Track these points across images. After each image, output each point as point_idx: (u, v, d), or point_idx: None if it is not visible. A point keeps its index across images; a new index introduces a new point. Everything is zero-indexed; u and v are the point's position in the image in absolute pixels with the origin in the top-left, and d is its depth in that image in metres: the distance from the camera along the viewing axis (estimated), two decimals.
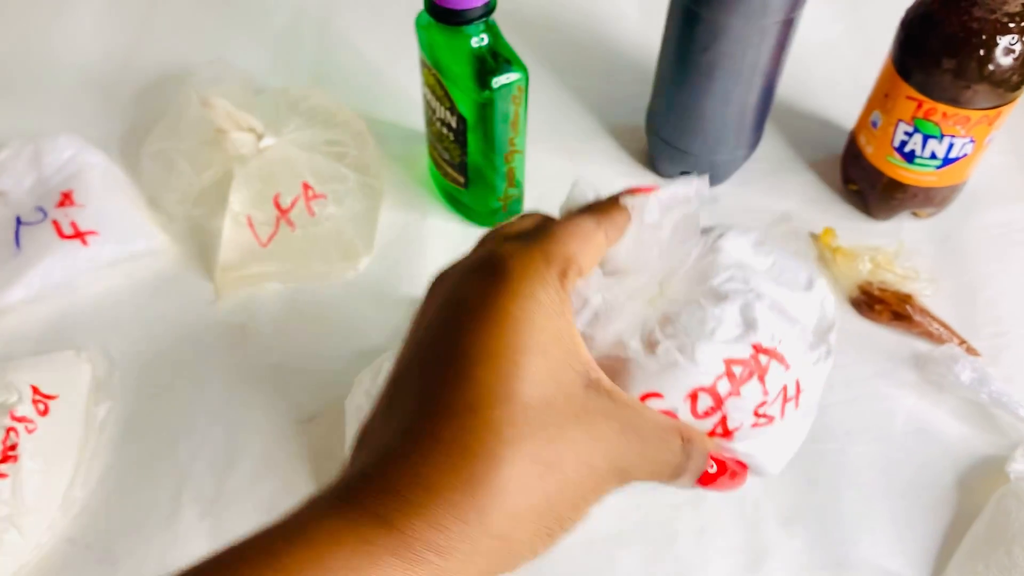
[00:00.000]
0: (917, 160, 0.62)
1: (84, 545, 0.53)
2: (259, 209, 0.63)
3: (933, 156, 0.61)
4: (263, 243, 0.63)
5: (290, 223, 0.63)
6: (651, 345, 0.37)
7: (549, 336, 0.30)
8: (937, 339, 0.61)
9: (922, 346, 0.62)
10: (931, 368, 0.60)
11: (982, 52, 0.55)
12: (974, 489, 0.55)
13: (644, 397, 0.37)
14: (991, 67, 0.56)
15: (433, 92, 0.61)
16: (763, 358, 0.38)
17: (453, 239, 0.67)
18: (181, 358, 0.61)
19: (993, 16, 0.55)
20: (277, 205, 0.63)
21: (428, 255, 0.66)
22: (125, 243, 0.64)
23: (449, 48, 0.57)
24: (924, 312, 0.62)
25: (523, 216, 0.38)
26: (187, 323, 0.62)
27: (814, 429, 0.56)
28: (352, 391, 0.54)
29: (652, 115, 0.68)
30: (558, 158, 0.72)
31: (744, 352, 0.38)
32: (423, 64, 0.60)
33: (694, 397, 0.37)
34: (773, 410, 0.39)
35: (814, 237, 0.67)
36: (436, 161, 0.66)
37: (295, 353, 0.61)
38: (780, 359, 0.39)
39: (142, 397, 0.59)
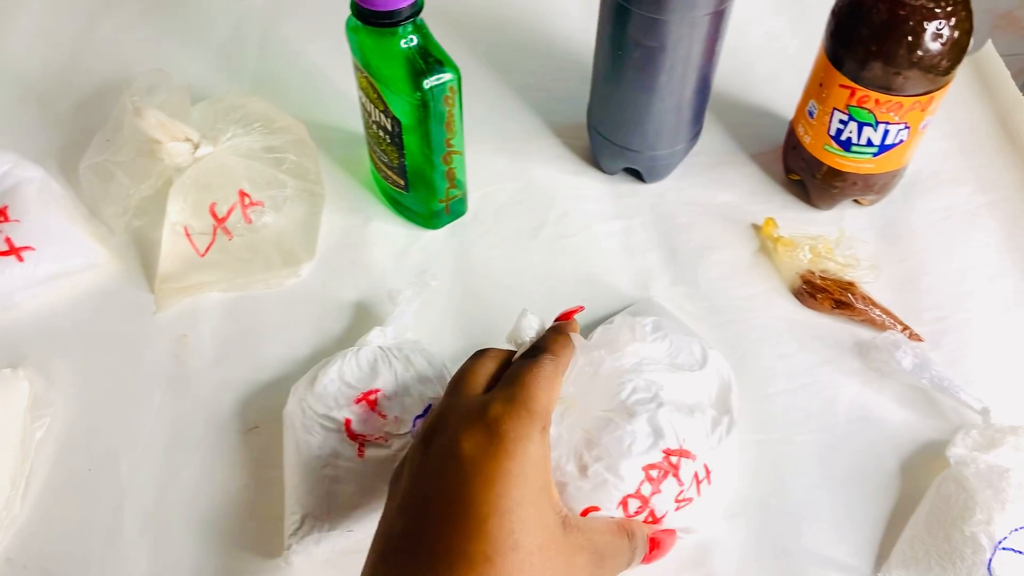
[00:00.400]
0: (854, 148, 0.62)
1: (21, 565, 0.52)
2: (196, 219, 0.62)
3: (869, 143, 0.61)
4: (201, 253, 0.62)
5: (227, 232, 0.62)
6: (582, 468, 0.46)
7: (538, 487, 0.37)
8: (880, 326, 0.62)
9: (865, 333, 0.62)
10: (874, 355, 0.60)
11: (910, 38, 0.56)
12: (917, 475, 0.56)
13: (585, 512, 0.45)
14: (920, 53, 0.56)
15: (367, 95, 0.60)
16: (673, 458, 0.48)
17: (397, 242, 0.67)
18: (121, 372, 0.60)
19: (919, 2, 0.55)
20: (213, 214, 0.62)
21: (371, 259, 0.66)
22: (63, 258, 0.63)
23: (378, 50, 0.56)
24: (866, 299, 0.62)
25: (481, 356, 0.45)
26: (127, 336, 0.62)
27: (757, 421, 0.57)
28: (288, 400, 0.54)
29: (592, 112, 0.68)
30: (501, 158, 0.72)
31: (657, 457, 0.47)
32: (355, 67, 0.60)
33: (624, 504, 0.46)
34: (690, 493, 0.49)
35: (756, 228, 0.67)
36: (376, 164, 0.66)
37: (236, 362, 0.60)
38: (687, 454, 0.49)
39: (81, 412, 0.58)
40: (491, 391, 0.41)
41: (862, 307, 0.62)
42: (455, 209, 0.67)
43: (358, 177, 0.70)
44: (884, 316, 0.62)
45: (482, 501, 0.36)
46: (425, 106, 0.57)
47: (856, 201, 0.68)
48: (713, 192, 0.70)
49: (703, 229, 0.68)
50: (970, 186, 0.70)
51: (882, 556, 0.53)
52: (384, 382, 0.53)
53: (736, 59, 0.78)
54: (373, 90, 0.59)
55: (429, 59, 0.56)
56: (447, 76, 0.57)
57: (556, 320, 0.49)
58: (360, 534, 0.50)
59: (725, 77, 0.76)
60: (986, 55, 0.78)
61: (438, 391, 0.53)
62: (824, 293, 0.62)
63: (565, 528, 0.39)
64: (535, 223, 0.68)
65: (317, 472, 0.50)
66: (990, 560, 0.49)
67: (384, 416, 0.52)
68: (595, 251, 0.66)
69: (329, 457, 0.50)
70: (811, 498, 0.55)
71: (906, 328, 0.62)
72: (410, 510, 0.37)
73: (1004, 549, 0.49)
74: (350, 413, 0.51)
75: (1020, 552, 0.49)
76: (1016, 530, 0.49)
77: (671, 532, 0.49)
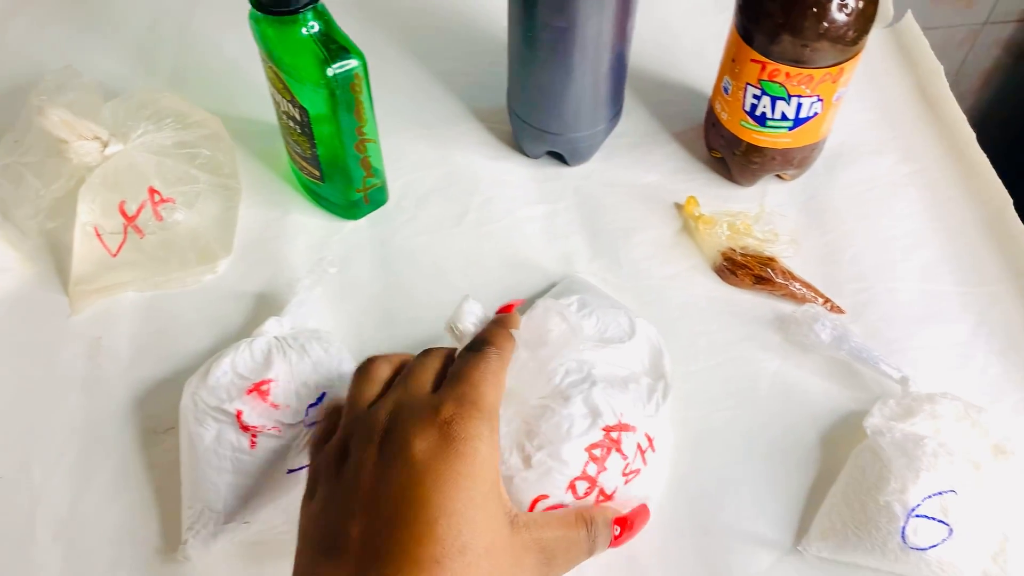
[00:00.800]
0: (769, 123, 0.62)
1: None
2: (106, 218, 0.61)
3: (784, 117, 0.61)
4: (113, 253, 0.61)
5: (138, 230, 0.61)
6: (526, 459, 0.46)
7: (487, 487, 0.37)
8: (800, 300, 0.62)
9: (786, 308, 0.62)
10: (794, 329, 0.60)
11: (816, 10, 0.55)
12: (837, 446, 0.56)
13: (535, 501, 0.46)
14: (826, 24, 0.56)
15: (274, 85, 0.59)
16: (614, 434, 0.48)
17: (317, 235, 0.66)
18: (34, 376, 0.59)
19: None
20: (123, 213, 0.61)
21: (290, 252, 0.65)
22: None
23: (281, 40, 0.55)
24: (786, 274, 0.62)
25: (428, 354, 0.44)
26: (41, 340, 0.60)
27: (677, 399, 0.57)
28: (183, 394, 0.53)
29: (510, 96, 0.68)
30: (423, 145, 0.71)
31: (597, 436, 0.47)
32: (262, 58, 0.59)
33: (572, 487, 0.46)
34: (636, 465, 0.49)
35: (679, 207, 0.67)
36: (292, 156, 0.65)
37: (151, 363, 0.59)
38: (626, 428, 0.49)
39: None
40: (440, 389, 0.41)
41: (782, 281, 0.62)
42: (375, 198, 0.66)
43: (277, 170, 0.69)
44: (805, 290, 0.62)
45: (432, 503, 0.36)
46: (332, 94, 0.56)
47: (778, 176, 0.68)
48: (637, 173, 0.70)
49: (627, 210, 0.67)
50: (892, 156, 0.70)
51: (803, 529, 0.53)
52: (278, 372, 0.52)
53: (661, 36, 0.78)
54: (279, 80, 0.58)
55: (332, 46, 0.55)
56: (352, 63, 0.56)
57: (497, 313, 0.48)
58: (258, 525, 0.49)
59: (649, 55, 0.76)
60: (906, 26, 0.78)
61: (334, 380, 0.53)
62: (744, 269, 0.62)
63: (513, 528, 0.39)
64: (458, 210, 0.67)
65: (211, 465, 0.50)
66: (903, 528, 0.49)
67: (277, 406, 0.51)
68: (519, 236, 0.66)
69: (222, 449, 0.50)
70: (732, 474, 0.55)
71: (827, 301, 0.62)
72: (361, 509, 0.37)
73: (917, 516, 0.49)
74: (242, 404, 0.51)
75: (933, 519, 0.49)
76: (928, 497, 0.49)
77: (642, 509, 0.48)
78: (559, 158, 0.70)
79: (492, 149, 0.71)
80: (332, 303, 0.61)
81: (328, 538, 0.38)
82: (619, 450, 0.49)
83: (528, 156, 0.70)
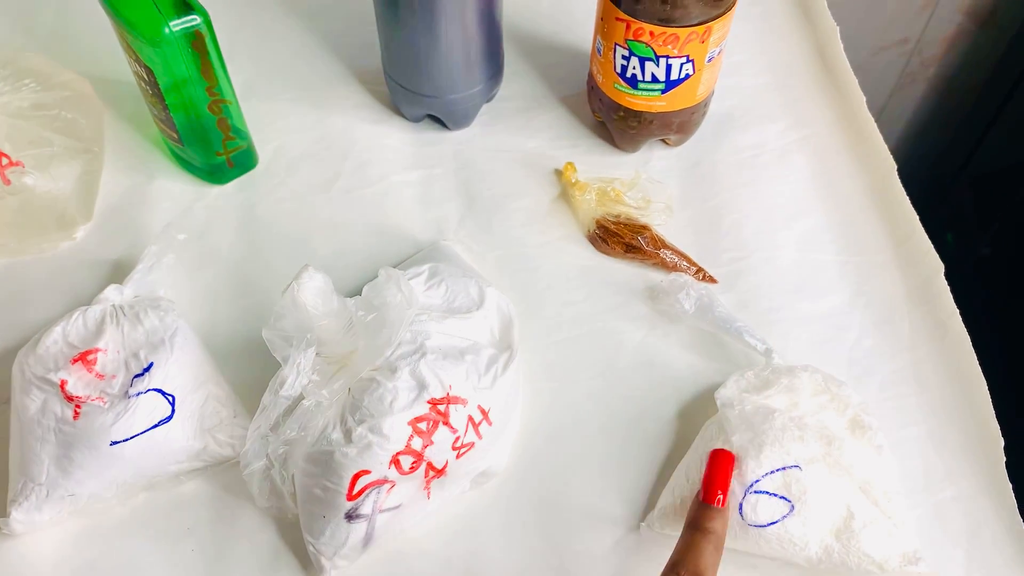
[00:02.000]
0: (641, 85, 0.60)
1: None
2: None
3: (655, 79, 0.59)
4: None
5: None
6: (347, 433, 0.45)
7: None
8: (672, 269, 0.60)
9: (658, 278, 0.60)
10: (662, 298, 0.58)
11: None
12: (695, 420, 0.54)
13: (355, 477, 0.45)
14: None
15: (122, 44, 0.57)
16: (441, 407, 0.47)
17: (181, 200, 0.64)
18: None
19: None
20: None
21: (153, 218, 0.63)
22: None
23: None
24: (657, 242, 0.60)
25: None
26: None
27: (536, 369, 0.55)
28: (13, 365, 0.51)
29: (383, 57, 0.65)
30: (300, 107, 0.69)
31: (422, 409, 0.46)
32: (108, 16, 0.56)
33: (396, 462, 0.46)
34: (469, 439, 0.48)
35: (558, 174, 0.65)
36: (155, 120, 0.63)
37: (0, 333, 0.57)
38: (456, 400, 0.48)
39: None
40: None
41: (652, 250, 0.60)
42: (240, 162, 0.64)
43: (146, 134, 0.67)
44: (677, 258, 0.60)
45: None
46: (172, 53, 0.54)
47: (663, 141, 0.66)
48: (520, 138, 0.67)
49: (506, 176, 0.65)
50: (783, 122, 0.68)
51: (650, 505, 0.51)
52: (107, 341, 0.50)
53: None
54: (124, 39, 0.55)
55: (172, 3, 0.53)
56: (192, 19, 0.53)
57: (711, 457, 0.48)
58: (84, 499, 0.48)
59: (538, 16, 0.74)
60: None
61: (167, 350, 0.51)
62: (616, 238, 0.60)
63: None
64: (329, 175, 0.65)
65: (35, 436, 0.48)
66: (740, 504, 0.47)
67: (102, 376, 0.49)
68: (390, 202, 0.64)
69: (46, 420, 0.48)
70: (584, 448, 0.53)
71: (700, 270, 0.60)
72: None
73: (756, 492, 0.47)
74: (67, 374, 0.49)
75: (772, 495, 0.47)
76: (770, 473, 0.47)
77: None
78: (440, 123, 0.67)
79: (372, 112, 0.69)
80: (189, 271, 0.59)
81: None
82: (447, 423, 0.47)
83: (408, 120, 0.68)
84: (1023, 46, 1.26)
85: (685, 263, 0.60)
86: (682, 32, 0.56)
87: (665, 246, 0.60)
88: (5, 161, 0.59)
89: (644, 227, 0.60)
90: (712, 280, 0.60)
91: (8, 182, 0.59)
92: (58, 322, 0.52)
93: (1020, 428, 0.60)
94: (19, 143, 0.60)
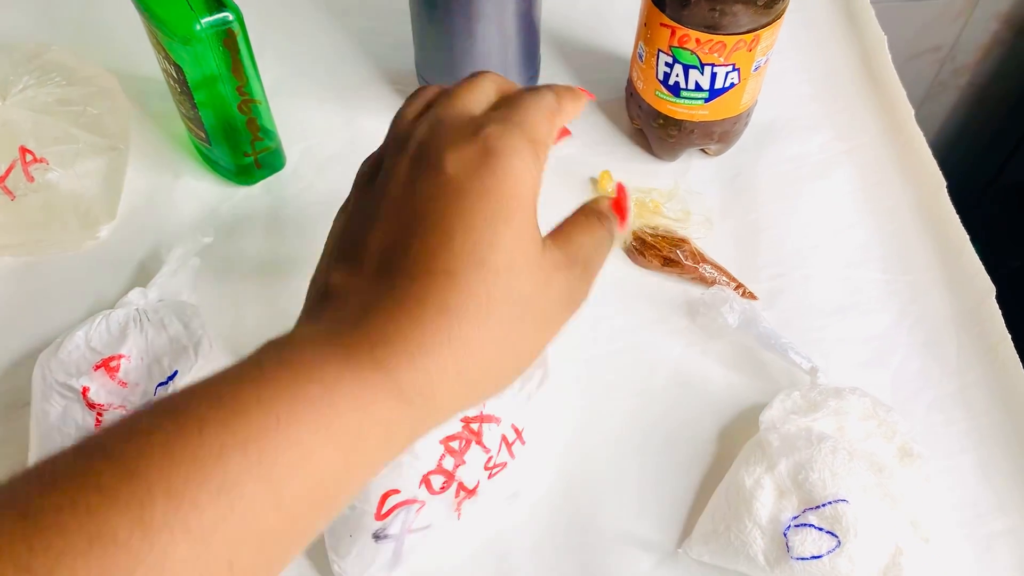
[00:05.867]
0: (684, 94, 0.58)
1: None
2: None
3: (698, 88, 0.57)
4: None
5: (8, 192, 0.57)
6: None
7: (517, 205, 0.34)
8: (711, 284, 0.58)
9: (697, 292, 0.58)
10: (702, 313, 0.56)
11: None
12: (735, 441, 0.52)
13: (384, 496, 0.44)
14: None
15: (151, 40, 0.55)
16: (474, 425, 0.45)
17: (207, 200, 0.62)
18: None
19: None
20: None
21: (179, 218, 0.61)
22: None
23: None
24: (696, 256, 0.58)
25: (480, 76, 0.40)
26: None
27: (569, 387, 0.53)
28: (35, 368, 0.50)
29: (417, 58, 0.64)
30: (330, 108, 0.67)
31: (455, 428, 0.45)
32: (138, 12, 0.55)
33: (426, 481, 0.45)
34: (502, 458, 0.47)
35: (593, 182, 0.63)
36: (182, 117, 0.61)
37: (19, 331, 0.56)
38: (489, 419, 0.46)
39: None
40: (486, 112, 0.37)
41: (691, 264, 0.58)
42: (268, 163, 0.62)
43: (174, 133, 0.65)
44: (716, 273, 0.58)
45: (453, 215, 0.33)
46: (205, 51, 0.52)
47: (703, 151, 0.64)
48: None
49: None
50: (827, 133, 0.66)
51: (688, 530, 0.49)
52: (131, 347, 0.49)
53: (594, 1, 0.73)
54: (154, 36, 0.54)
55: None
56: (224, 16, 0.52)
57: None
58: None
59: (576, 18, 0.72)
60: None
61: (191, 357, 0.49)
62: (653, 250, 0.58)
63: (544, 248, 0.35)
64: None
65: (54, 444, 0.47)
66: (785, 534, 0.45)
67: (125, 384, 0.48)
68: None
69: (67, 428, 0.47)
70: (619, 468, 0.52)
71: (740, 286, 0.58)
72: (383, 220, 0.35)
73: (803, 526, 0.45)
74: (89, 381, 0.47)
75: (819, 528, 0.45)
76: (818, 507, 0.45)
77: (619, 189, 0.42)
78: None
79: None
80: (215, 274, 0.58)
81: (348, 247, 0.36)
82: (480, 443, 0.46)
83: None
84: None
85: (725, 278, 0.58)
86: (729, 40, 0.54)
87: (704, 260, 0.58)
88: (29, 158, 0.58)
89: (683, 240, 0.59)
90: (752, 296, 0.58)
91: (31, 179, 0.58)
92: (81, 326, 0.50)
93: None
94: (44, 139, 0.58)
